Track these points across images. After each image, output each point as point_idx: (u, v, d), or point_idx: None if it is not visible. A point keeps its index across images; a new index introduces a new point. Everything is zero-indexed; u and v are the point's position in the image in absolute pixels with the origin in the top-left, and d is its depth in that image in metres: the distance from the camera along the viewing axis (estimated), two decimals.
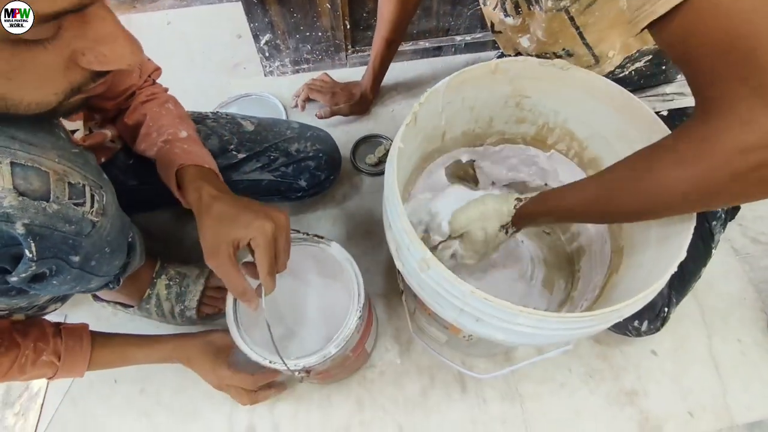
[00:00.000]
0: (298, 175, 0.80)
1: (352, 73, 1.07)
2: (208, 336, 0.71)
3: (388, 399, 0.75)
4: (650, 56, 0.62)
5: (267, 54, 1.01)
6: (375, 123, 1.01)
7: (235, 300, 0.60)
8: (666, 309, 0.72)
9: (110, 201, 0.48)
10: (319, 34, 0.97)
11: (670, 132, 0.48)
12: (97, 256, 0.48)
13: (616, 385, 0.76)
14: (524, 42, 0.63)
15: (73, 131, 0.62)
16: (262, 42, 0.98)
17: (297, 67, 1.05)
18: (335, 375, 0.71)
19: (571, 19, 0.57)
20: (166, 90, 0.70)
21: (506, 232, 0.56)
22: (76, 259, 0.45)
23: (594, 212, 0.47)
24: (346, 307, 0.59)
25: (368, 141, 0.99)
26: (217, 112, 0.81)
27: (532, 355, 0.78)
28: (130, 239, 0.58)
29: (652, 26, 0.37)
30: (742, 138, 0.32)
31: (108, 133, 0.68)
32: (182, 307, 0.78)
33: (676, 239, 0.45)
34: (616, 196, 0.43)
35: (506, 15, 0.62)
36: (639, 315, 0.70)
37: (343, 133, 1.00)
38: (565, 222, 0.55)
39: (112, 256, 0.51)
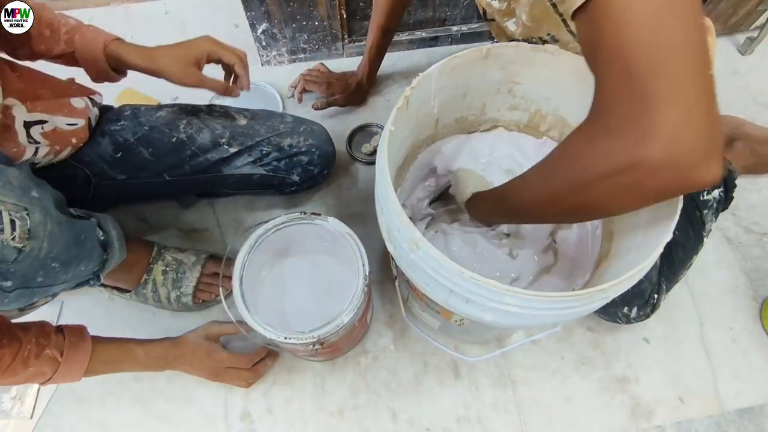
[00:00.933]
0: (290, 169, 0.80)
1: (348, 62, 1.07)
2: (199, 329, 0.73)
3: (382, 384, 0.76)
4: None
5: (264, 43, 1.01)
6: (371, 112, 1.02)
7: (240, 281, 0.60)
8: (656, 296, 0.72)
9: (40, 221, 0.46)
10: (316, 23, 0.97)
11: None
12: (41, 273, 0.47)
13: (607, 372, 0.77)
14: (510, 26, 0.63)
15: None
16: (259, 31, 0.98)
17: (294, 57, 1.05)
18: (342, 348, 0.73)
19: (554, 5, 0.57)
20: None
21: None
22: (8, 284, 0.44)
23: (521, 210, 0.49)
24: (350, 278, 0.60)
25: (364, 130, 0.99)
26: (212, 104, 0.81)
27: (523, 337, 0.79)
28: (102, 238, 0.59)
29: (574, 17, 0.36)
30: (611, 144, 0.33)
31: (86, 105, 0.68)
32: (178, 293, 0.78)
33: (663, 221, 0.46)
34: (534, 189, 0.45)
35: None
36: (629, 302, 0.71)
37: (339, 122, 1.00)
38: (512, 220, 0.60)
39: (66, 267, 0.50)
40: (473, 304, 0.47)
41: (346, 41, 1.03)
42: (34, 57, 0.65)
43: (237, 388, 0.76)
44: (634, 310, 0.72)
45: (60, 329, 0.60)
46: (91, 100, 0.73)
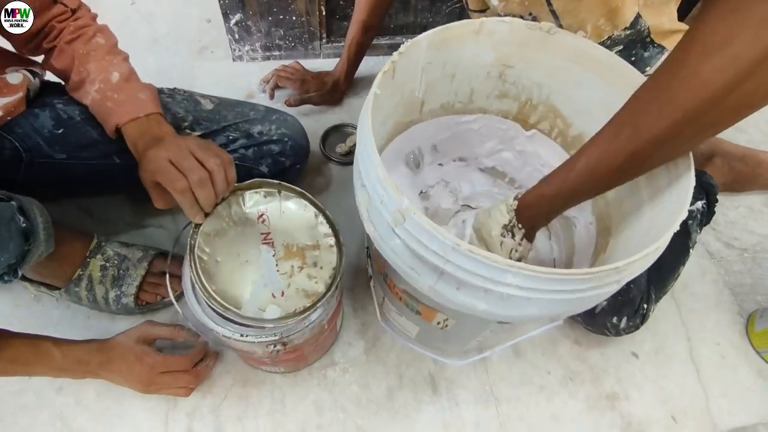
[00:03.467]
0: (259, 159, 0.73)
1: (325, 64, 1.03)
2: (131, 330, 0.63)
3: (350, 400, 0.67)
4: (621, 46, 0.62)
5: (237, 36, 0.96)
6: (347, 113, 0.97)
7: (191, 278, 0.51)
8: (645, 305, 0.68)
9: None
10: (293, 18, 0.93)
11: None
12: None
13: (596, 388, 0.71)
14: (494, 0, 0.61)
15: None
16: (232, 22, 0.92)
17: (268, 53, 1.00)
18: (307, 356, 0.63)
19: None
20: (95, 17, 0.64)
21: (512, 236, 0.49)
22: None
23: (616, 162, 0.38)
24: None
25: (339, 130, 0.94)
26: (175, 88, 0.74)
27: (509, 355, 0.73)
28: (23, 225, 0.51)
29: None
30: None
31: (25, 78, 0.61)
32: (118, 292, 0.68)
33: (674, 194, 0.42)
34: (644, 120, 0.36)
35: None
36: (618, 311, 0.67)
37: (313, 121, 0.95)
38: (578, 200, 0.44)
39: None
40: (466, 290, 0.41)
41: (324, 41, 1.00)
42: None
43: (181, 402, 0.65)
44: (624, 320, 0.67)
45: None
46: (31, 71, 0.64)
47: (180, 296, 0.65)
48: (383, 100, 0.50)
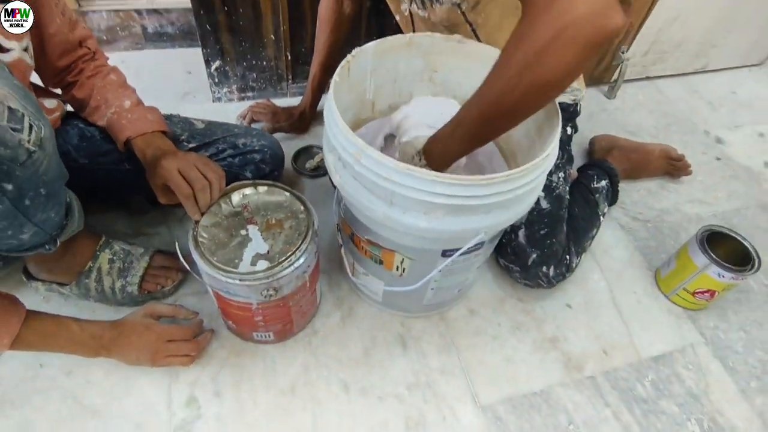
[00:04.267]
0: (244, 165, 0.88)
1: (292, 102, 1.20)
2: (138, 309, 0.74)
3: (332, 359, 0.78)
4: None
5: (216, 80, 1.13)
6: (313, 138, 1.14)
7: (198, 254, 0.63)
8: (568, 257, 0.84)
9: (48, 137, 0.49)
10: (264, 63, 1.12)
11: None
12: (31, 194, 0.48)
13: (539, 334, 0.84)
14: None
15: None
16: (213, 68, 1.10)
17: (243, 95, 1.18)
18: (294, 320, 0.74)
19: (464, 14, 0.75)
20: (107, 59, 0.79)
21: (420, 159, 0.62)
22: (9, 187, 0.45)
23: (491, 118, 0.52)
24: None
25: (307, 151, 1.10)
26: (171, 114, 0.90)
27: (464, 314, 0.85)
28: (67, 200, 0.62)
29: None
30: (547, 18, 0.43)
31: (59, 104, 0.75)
32: (124, 282, 0.78)
33: (551, 133, 0.59)
34: (488, 93, 0.50)
35: (419, 8, 0.80)
36: (545, 261, 0.82)
37: (285, 145, 1.08)
38: (474, 146, 0.57)
39: (47, 201, 0.51)
40: (409, 213, 0.55)
41: (290, 82, 1.19)
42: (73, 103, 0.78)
43: (182, 374, 0.74)
44: (552, 269, 0.82)
45: None
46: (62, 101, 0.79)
47: (179, 285, 0.79)
48: (342, 92, 0.67)
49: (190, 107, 1.18)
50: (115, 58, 1.26)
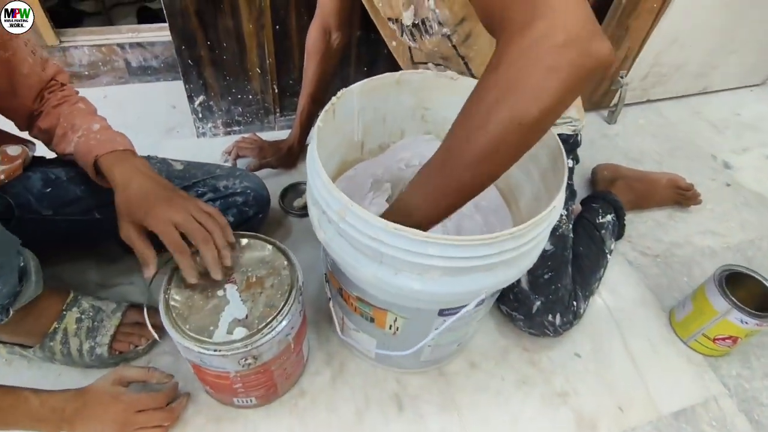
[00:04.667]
0: (225, 210, 0.82)
1: (280, 135, 1.15)
2: (107, 374, 0.66)
3: (321, 424, 0.71)
4: None
5: (200, 115, 1.08)
6: (301, 174, 1.08)
7: (169, 321, 0.57)
8: (575, 303, 0.78)
9: None
10: (250, 96, 1.08)
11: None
12: None
13: (548, 388, 0.77)
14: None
15: None
16: (196, 103, 1.06)
17: (228, 129, 1.13)
18: (277, 383, 0.67)
19: (455, 47, 0.71)
20: (77, 92, 0.73)
21: None
22: None
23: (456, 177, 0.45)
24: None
25: (295, 188, 1.05)
26: (149, 155, 0.84)
27: (465, 367, 0.79)
28: (21, 264, 0.56)
29: None
30: (550, 37, 0.38)
31: (23, 150, 0.69)
32: (93, 343, 0.71)
33: (554, 170, 0.54)
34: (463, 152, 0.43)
35: (409, 40, 0.75)
36: (551, 309, 0.75)
37: (272, 182, 1.04)
38: (450, 204, 0.48)
39: None
40: (402, 273, 0.49)
41: (277, 115, 1.14)
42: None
43: None
44: (558, 317, 0.76)
45: None
46: (28, 145, 0.73)
47: (152, 345, 0.72)
48: (327, 136, 0.62)
49: (174, 143, 1.13)
50: (97, 93, 1.23)
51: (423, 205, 0.48)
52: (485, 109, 0.41)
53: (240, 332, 0.57)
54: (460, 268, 0.48)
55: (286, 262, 0.63)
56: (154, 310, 0.60)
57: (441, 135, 0.74)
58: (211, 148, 1.11)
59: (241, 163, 1.06)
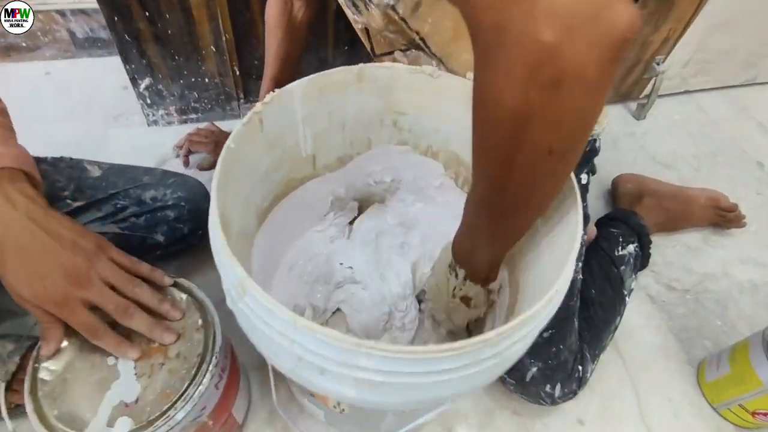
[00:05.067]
0: (153, 227, 0.67)
1: None
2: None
3: None
4: None
5: (149, 101, 0.92)
6: None
7: (35, 363, 0.44)
8: (580, 367, 0.62)
9: None
10: (206, 80, 0.90)
11: None
12: None
13: None
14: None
15: None
16: (142, 87, 0.89)
17: (184, 117, 0.96)
18: None
19: (404, 20, 0.53)
20: None
21: (456, 275, 0.47)
22: None
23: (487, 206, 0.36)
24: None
25: None
26: (61, 156, 0.68)
27: (437, 429, 0.64)
28: None
29: None
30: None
31: None
32: None
33: (564, 234, 0.37)
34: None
35: (354, 14, 0.58)
36: (550, 378, 0.60)
37: None
38: (498, 246, 0.41)
39: None
40: (329, 375, 0.34)
41: (241, 101, 0.97)
42: None
43: None
44: (558, 387, 0.60)
45: None
46: None
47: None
48: (253, 157, 0.45)
49: (120, 132, 0.97)
50: (38, 68, 1.06)
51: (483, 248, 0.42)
52: (501, 136, 0.29)
53: (124, 424, 0.42)
54: (413, 383, 0.32)
55: (200, 321, 0.48)
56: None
57: (420, 146, 0.57)
58: (162, 138, 0.95)
59: (196, 160, 0.90)
